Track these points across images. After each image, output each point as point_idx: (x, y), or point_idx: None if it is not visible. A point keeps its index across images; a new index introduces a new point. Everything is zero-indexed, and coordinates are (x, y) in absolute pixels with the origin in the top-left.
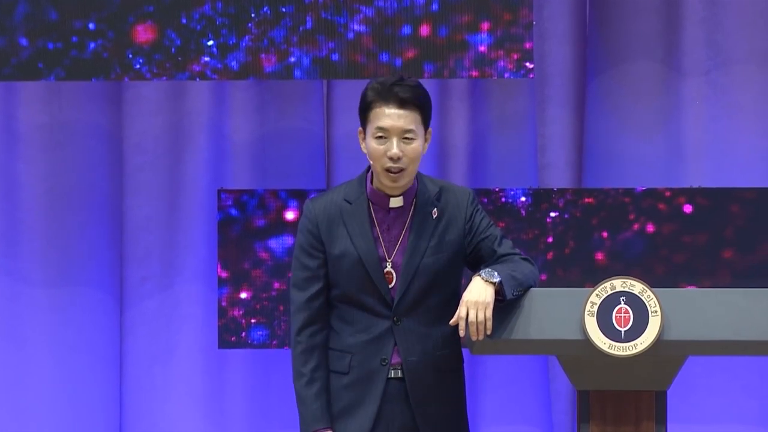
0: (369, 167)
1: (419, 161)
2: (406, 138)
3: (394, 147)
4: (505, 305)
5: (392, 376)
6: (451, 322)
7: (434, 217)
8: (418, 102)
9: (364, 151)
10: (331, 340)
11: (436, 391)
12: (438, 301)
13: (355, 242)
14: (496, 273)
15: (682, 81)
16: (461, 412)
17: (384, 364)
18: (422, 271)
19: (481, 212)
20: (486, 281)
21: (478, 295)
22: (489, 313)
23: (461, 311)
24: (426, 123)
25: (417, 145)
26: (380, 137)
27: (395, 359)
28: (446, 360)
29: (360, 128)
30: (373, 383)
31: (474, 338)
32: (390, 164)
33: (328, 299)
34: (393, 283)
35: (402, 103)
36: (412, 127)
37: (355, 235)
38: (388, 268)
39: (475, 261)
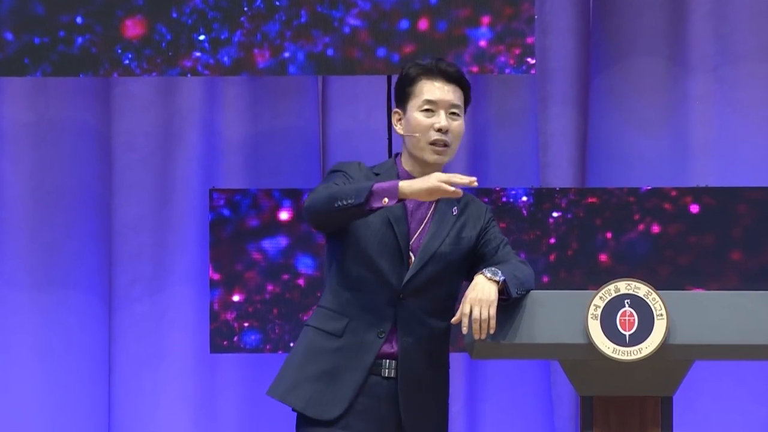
0: (395, 155)
1: (460, 141)
2: (453, 113)
3: (443, 119)
4: (505, 307)
5: (386, 375)
6: (453, 320)
7: (454, 213)
8: (463, 80)
9: (400, 132)
10: (328, 300)
11: (426, 383)
12: (442, 294)
13: (389, 211)
14: (500, 272)
15: (688, 77)
16: (445, 411)
17: (381, 336)
18: (438, 257)
19: (496, 226)
20: (490, 279)
21: (482, 292)
22: (493, 311)
23: (464, 308)
24: (467, 105)
25: (461, 123)
26: (427, 110)
27: (390, 347)
28: (436, 354)
29: (396, 109)
30: (364, 353)
31: (476, 336)
32: (437, 136)
33: (340, 258)
34: (410, 267)
35: (449, 79)
36: (459, 103)
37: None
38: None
39: (476, 260)
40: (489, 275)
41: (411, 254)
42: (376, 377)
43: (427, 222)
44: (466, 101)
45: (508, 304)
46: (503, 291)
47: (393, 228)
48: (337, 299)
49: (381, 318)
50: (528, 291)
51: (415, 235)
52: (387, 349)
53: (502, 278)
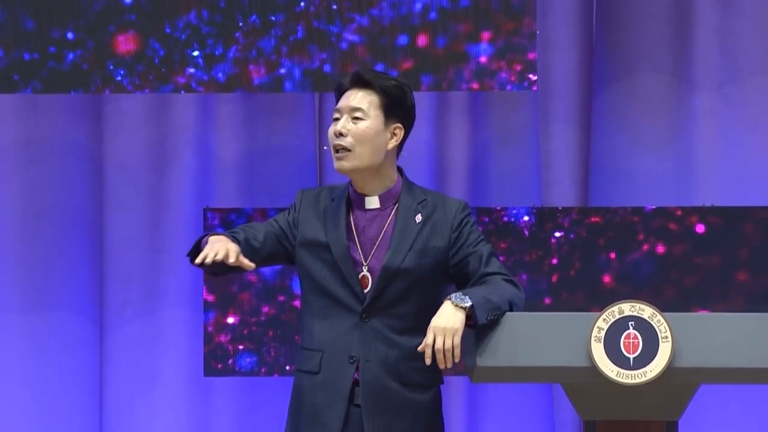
0: None
1: (371, 146)
2: (355, 117)
3: (340, 123)
4: (506, 329)
5: (358, 402)
6: (419, 348)
7: (417, 221)
8: (380, 86)
9: None
10: (304, 339)
11: (397, 405)
12: (412, 311)
13: (329, 237)
14: (467, 297)
15: (693, 93)
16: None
17: (352, 362)
18: (402, 274)
19: (472, 225)
20: (456, 306)
21: (446, 320)
22: (457, 340)
23: (428, 338)
24: (387, 111)
25: (366, 127)
26: (335, 118)
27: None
28: (414, 373)
29: None
30: (340, 383)
31: (441, 366)
32: (334, 141)
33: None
34: (368, 288)
35: (362, 84)
36: (362, 105)
37: (329, 230)
38: (364, 272)
39: (459, 276)
40: (455, 301)
41: (368, 274)
42: (353, 406)
43: (384, 235)
44: (388, 108)
45: (481, 328)
46: (471, 316)
47: (337, 264)
48: (310, 335)
49: (349, 343)
50: (504, 312)
51: (371, 253)
52: (358, 376)
53: (469, 304)
